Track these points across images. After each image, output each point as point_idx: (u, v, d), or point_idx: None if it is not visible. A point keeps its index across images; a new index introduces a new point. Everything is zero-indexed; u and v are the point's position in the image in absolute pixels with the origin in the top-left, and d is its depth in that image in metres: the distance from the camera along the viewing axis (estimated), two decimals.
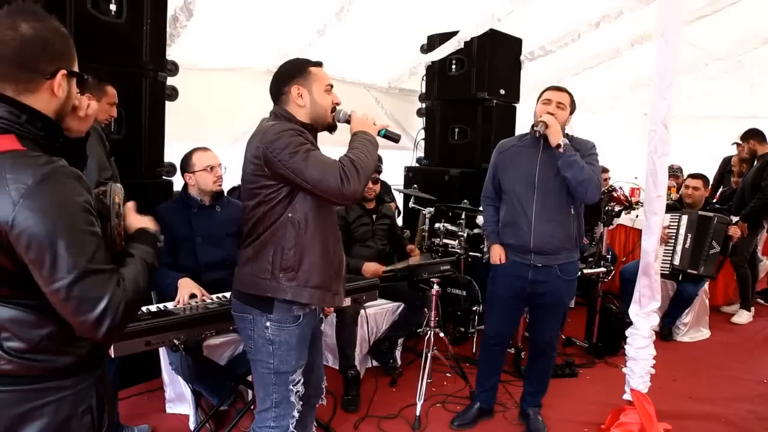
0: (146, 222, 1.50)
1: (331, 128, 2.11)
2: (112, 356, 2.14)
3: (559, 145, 2.68)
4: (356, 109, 2.12)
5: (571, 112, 2.86)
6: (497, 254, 3.00)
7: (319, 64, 2.08)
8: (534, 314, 3.09)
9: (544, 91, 2.88)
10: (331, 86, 2.08)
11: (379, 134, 2.07)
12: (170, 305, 2.53)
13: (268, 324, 1.98)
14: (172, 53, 3.55)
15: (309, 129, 2.02)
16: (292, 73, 2.03)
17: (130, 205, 1.54)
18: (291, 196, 1.93)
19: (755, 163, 5.34)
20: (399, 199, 5.30)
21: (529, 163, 2.85)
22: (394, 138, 2.16)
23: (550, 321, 3.02)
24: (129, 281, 1.27)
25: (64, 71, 1.27)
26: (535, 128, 2.79)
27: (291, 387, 2.04)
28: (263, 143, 1.88)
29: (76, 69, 1.33)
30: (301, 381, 2.08)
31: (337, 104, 2.09)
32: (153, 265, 1.39)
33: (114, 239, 1.44)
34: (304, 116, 2.03)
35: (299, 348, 2.03)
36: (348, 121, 2.08)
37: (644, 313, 2.91)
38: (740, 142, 5.49)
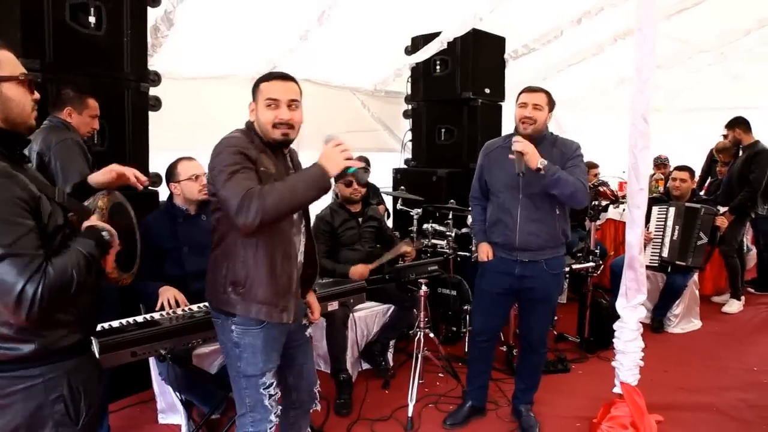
0: (98, 221, 1.59)
1: (276, 145, 2.03)
2: None
3: (539, 169, 2.67)
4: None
5: (550, 110, 2.87)
6: (485, 252, 3.02)
7: (269, 78, 2.02)
8: (523, 310, 3.11)
9: (519, 94, 2.89)
10: (274, 100, 1.97)
11: (347, 171, 1.91)
12: (156, 315, 2.53)
13: (233, 327, 2.01)
14: (154, 63, 3.55)
15: (268, 145, 2.01)
16: (253, 90, 2.05)
17: (104, 201, 1.67)
18: None
19: (740, 153, 5.37)
20: (388, 201, 5.31)
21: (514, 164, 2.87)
22: (359, 181, 2.09)
23: (539, 316, 3.05)
24: (55, 267, 1.35)
25: None
26: (512, 159, 2.74)
27: (262, 390, 2.04)
28: (211, 155, 1.92)
29: (5, 74, 1.43)
30: (274, 384, 2.08)
31: (281, 122, 1.97)
32: (90, 255, 1.46)
33: None
34: (260, 130, 2.03)
35: (266, 351, 2.03)
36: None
37: (631, 306, 2.92)
38: (725, 132, 5.52)
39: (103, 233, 1.54)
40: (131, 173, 1.78)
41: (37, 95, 1.54)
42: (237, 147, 1.90)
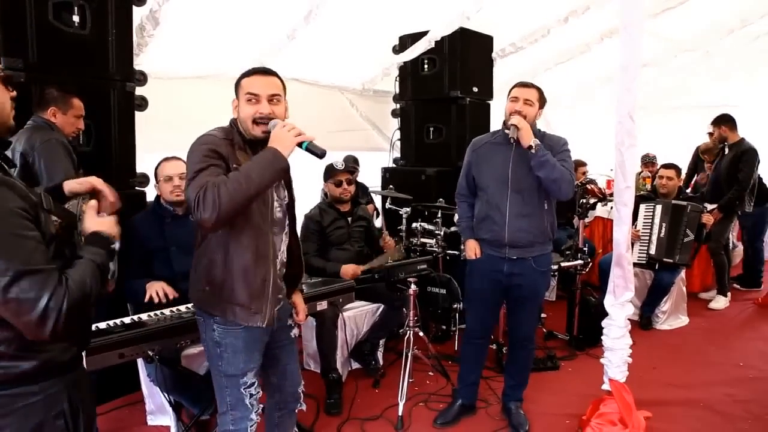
0: (102, 225, 1.51)
1: (255, 142, 1.98)
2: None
3: (530, 146, 2.70)
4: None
5: (541, 107, 2.89)
6: (472, 249, 3.03)
7: (250, 74, 1.98)
8: (511, 307, 3.12)
9: (512, 88, 2.90)
10: (254, 95, 1.94)
11: (300, 147, 1.87)
12: (144, 316, 2.51)
13: (215, 326, 2.00)
14: (140, 63, 3.52)
15: (247, 141, 1.97)
16: (235, 86, 2.03)
17: (93, 203, 1.56)
18: None
19: (726, 151, 5.42)
20: (377, 200, 5.31)
21: (503, 159, 2.88)
22: (317, 153, 1.90)
23: (527, 313, 3.06)
24: (74, 281, 1.29)
25: None
26: (507, 131, 2.82)
27: (243, 390, 2.03)
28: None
29: None
30: (255, 384, 2.07)
31: (261, 117, 1.94)
32: (104, 265, 1.41)
33: (80, 244, 1.48)
34: (241, 126, 2.00)
35: (247, 351, 2.02)
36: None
37: (619, 303, 2.94)
38: (711, 129, 5.57)
39: (111, 240, 1.49)
40: (108, 191, 1.64)
41: (13, 92, 1.45)
42: (207, 145, 1.88)
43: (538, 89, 2.89)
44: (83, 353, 1.72)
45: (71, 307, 1.26)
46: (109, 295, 1.68)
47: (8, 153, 1.49)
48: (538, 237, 2.90)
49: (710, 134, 5.69)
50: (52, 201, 1.46)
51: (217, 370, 2.04)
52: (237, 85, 2.01)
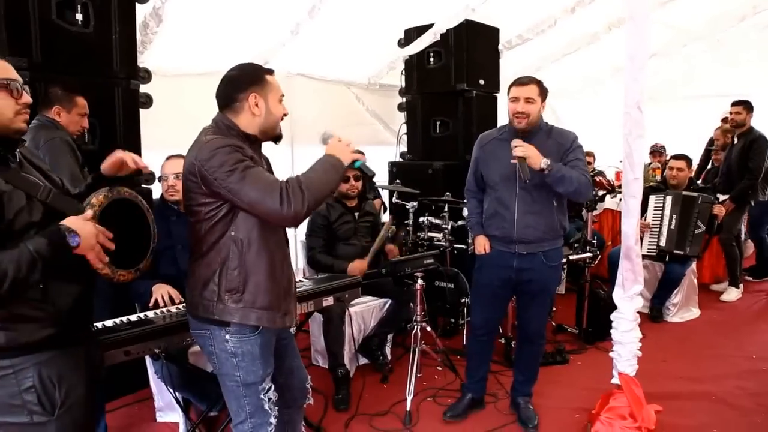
0: (74, 223, 1.56)
1: (277, 139, 2.05)
2: None
3: (543, 169, 2.65)
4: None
5: (543, 100, 2.83)
6: (482, 245, 3.01)
7: (272, 72, 2.01)
8: (521, 302, 3.10)
9: (510, 87, 2.84)
10: (283, 96, 2.01)
11: (353, 165, 1.99)
12: (150, 314, 2.52)
13: (227, 337, 1.91)
14: (144, 60, 3.52)
15: (252, 140, 1.96)
16: (248, 80, 1.94)
17: (88, 213, 1.63)
18: (232, 214, 1.86)
19: (736, 141, 5.35)
20: (384, 195, 5.29)
21: (510, 156, 2.83)
22: (367, 173, 2.14)
23: (538, 308, 3.03)
24: None
25: None
26: (516, 165, 2.73)
27: (262, 396, 1.99)
28: (198, 161, 1.80)
29: None
30: (272, 388, 2.04)
31: (285, 115, 2.03)
32: (37, 252, 1.47)
33: None
34: (254, 127, 1.95)
35: (264, 356, 1.98)
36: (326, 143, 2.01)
37: (628, 296, 2.90)
38: (731, 111, 5.39)
39: (68, 234, 1.53)
40: (130, 158, 1.79)
41: (26, 99, 1.59)
42: (230, 146, 1.81)
43: (537, 83, 2.82)
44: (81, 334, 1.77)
45: None
46: (117, 287, 1.77)
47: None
48: (548, 233, 2.87)
49: (728, 115, 5.52)
50: (54, 194, 1.61)
51: (233, 381, 1.96)
52: (261, 79, 1.96)
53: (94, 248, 1.59)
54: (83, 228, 1.56)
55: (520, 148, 2.67)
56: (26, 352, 1.54)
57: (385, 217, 5.04)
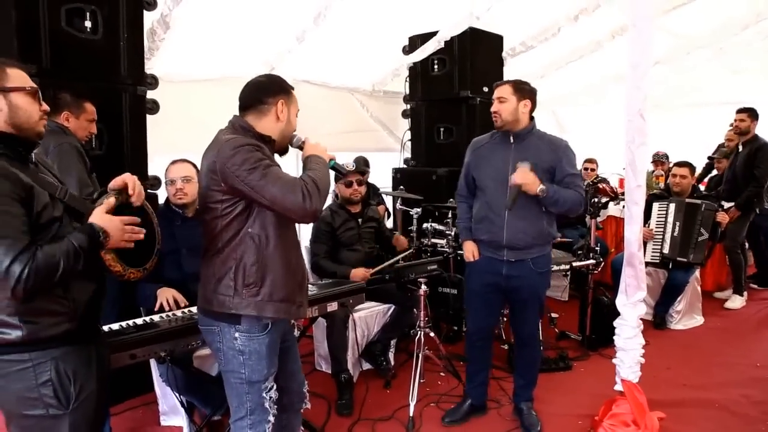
0: (101, 219, 1.68)
1: (284, 152, 2.15)
2: None
3: (538, 194, 2.73)
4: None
5: (522, 98, 2.86)
6: (470, 251, 3.04)
7: (293, 89, 2.14)
8: (512, 308, 3.14)
9: None
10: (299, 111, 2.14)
11: (328, 164, 2.09)
12: (156, 318, 2.54)
13: (237, 335, 1.97)
14: (151, 67, 3.55)
15: (267, 141, 2.02)
16: (278, 88, 2.06)
17: (109, 201, 1.72)
18: (249, 211, 1.93)
19: (740, 148, 5.35)
20: (388, 201, 5.32)
21: (502, 160, 2.88)
22: (340, 171, 2.20)
23: (528, 314, 3.06)
24: (44, 252, 1.51)
25: None
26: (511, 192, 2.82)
27: (264, 394, 2.05)
28: (220, 158, 1.87)
29: (10, 85, 1.61)
30: (274, 387, 2.09)
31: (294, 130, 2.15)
32: (81, 246, 1.58)
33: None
34: (276, 131, 2.05)
35: (270, 356, 2.04)
36: (301, 147, 2.12)
37: (631, 303, 2.91)
38: (735, 119, 5.40)
39: (99, 230, 1.64)
40: (131, 183, 1.82)
41: (45, 107, 1.71)
42: (251, 144, 1.91)
43: (512, 83, 2.90)
44: (97, 331, 1.86)
45: (34, 273, 1.47)
46: (123, 290, 1.79)
47: None
48: (537, 239, 2.89)
49: (735, 122, 5.50)
50: (70, 194, 1.72)
51: (238, 378, 2.02)
52: (289, 91, 2.08)
53: (123, 238, 1.71)
54: (110, 223, 1.67)
55: (520, 175, 2.72)
56: (45, 346, 1.61)
57: (390, 223, 5.06)
